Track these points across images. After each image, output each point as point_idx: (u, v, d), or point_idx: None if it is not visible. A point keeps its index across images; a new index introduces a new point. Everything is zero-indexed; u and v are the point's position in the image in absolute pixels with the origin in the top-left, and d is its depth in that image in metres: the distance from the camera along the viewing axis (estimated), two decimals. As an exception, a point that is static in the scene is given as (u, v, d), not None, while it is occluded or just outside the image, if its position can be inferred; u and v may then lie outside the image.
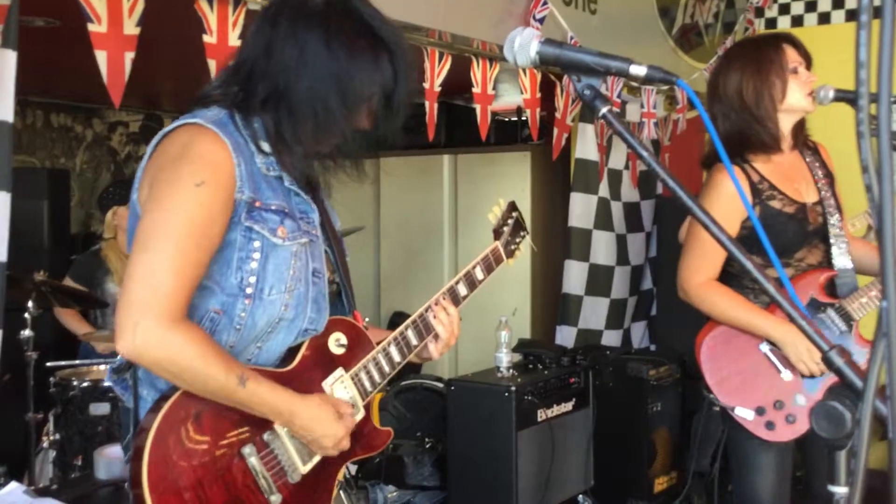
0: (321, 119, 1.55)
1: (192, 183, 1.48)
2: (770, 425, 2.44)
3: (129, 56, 2.42)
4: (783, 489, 2.52)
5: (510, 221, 2.14)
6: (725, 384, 2.49)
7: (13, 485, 2.16)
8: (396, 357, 1.82)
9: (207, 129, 1.53)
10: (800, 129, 2.63)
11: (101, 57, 2.38)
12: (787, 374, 2.46)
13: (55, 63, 4.78)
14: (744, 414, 2.43)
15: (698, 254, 2.52)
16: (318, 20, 1.55)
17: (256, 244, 1.56)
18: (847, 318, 2.54)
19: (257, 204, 1.56)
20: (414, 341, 1.85)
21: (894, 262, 0.64)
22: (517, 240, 2.16)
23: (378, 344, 1.81)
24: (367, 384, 1.77)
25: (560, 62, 1.21)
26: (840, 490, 1.03)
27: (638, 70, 1.17)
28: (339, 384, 1.73)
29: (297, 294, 1.63)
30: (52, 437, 3.69)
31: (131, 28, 2.43)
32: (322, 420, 1.61)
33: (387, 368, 1.80)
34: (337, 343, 1.74)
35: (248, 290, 1.56)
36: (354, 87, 1.55)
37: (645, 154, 1.14)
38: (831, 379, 2.43)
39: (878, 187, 0.60)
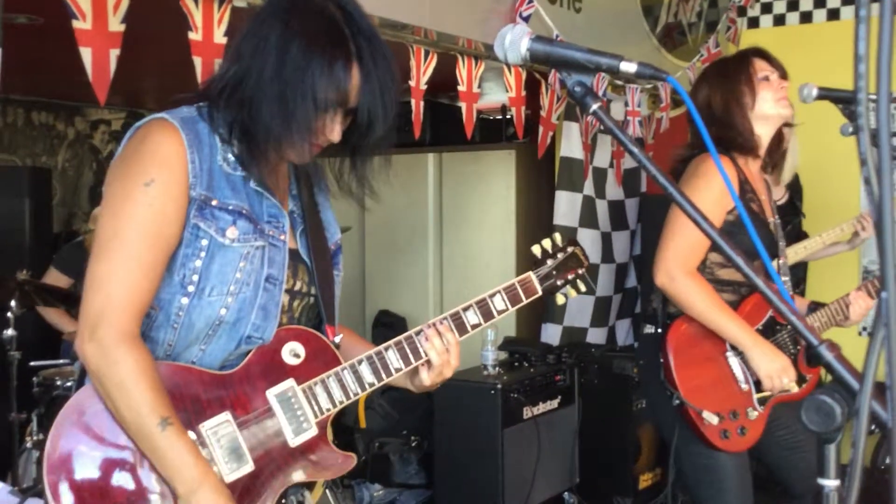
0: (273, 117, 1.49)
1: (141, 183, 1.47)
2: (725, 434, 2.44)
3: (115, 53, 2.41)
4: (747, 494, 2.51)
5: (560, 255, 1.88)
6: (691, 386, 2.46)
7: (-2, 485, 2.15)
8: (368, 377, 1.65)
9: (167, 124, 1.51)
10: (777, 143, 2.66)
11: (86, 54, 2.36)
12: (745, 386, 2.48)
13: (37, 60, 4.73)
14: (709, 418, 2.42)
15: (689, 243, 2.43)
16: (280, 15, 1.52)
17: (203, 242, 1.52)
18: (796, 343, 2.58)
19: (213, 202, 1.53)
20: (395, 364, 1.67)
21: (893, 253, 0.65)
22: (569, 276, 1.88)
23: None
24: (324, 401, 1.61)
25: (551, 59, 1.21)
26: (830, 483, 1.04)
27: (628, 67, 1.17)
28: (286, 396, 1.59)
29: (242, 298, 1.55)
30: (35, 438, 3.67)
31: (116, 25, 2.41)
32: None
33: (353, 387, 1.63)
34: (292, 353, 1.61)
35: (190, 289, 1.52)
36: (306, 88, 1.48)
37: (635, 149, 1.15)
38: (779, 398, 2.47)
39: (876, 181, 0.61)
